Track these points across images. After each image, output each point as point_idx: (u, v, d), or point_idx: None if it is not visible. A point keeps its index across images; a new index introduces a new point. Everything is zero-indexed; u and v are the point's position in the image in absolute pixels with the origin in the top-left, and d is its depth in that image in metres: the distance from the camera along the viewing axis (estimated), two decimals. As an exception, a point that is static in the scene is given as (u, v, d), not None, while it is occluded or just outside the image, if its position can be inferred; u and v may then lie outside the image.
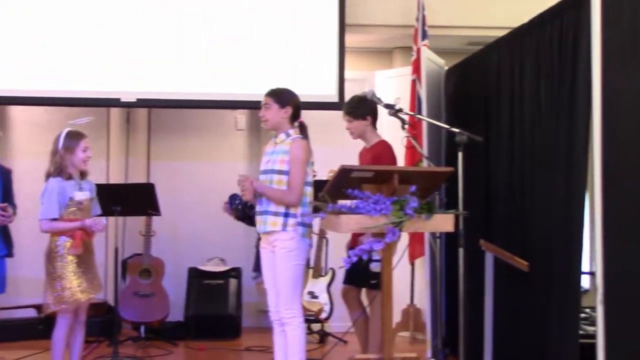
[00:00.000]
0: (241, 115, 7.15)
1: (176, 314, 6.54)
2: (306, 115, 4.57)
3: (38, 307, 6.23)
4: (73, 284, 4.66)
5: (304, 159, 4.32)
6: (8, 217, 4.91)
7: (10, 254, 5.19)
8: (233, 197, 5.21)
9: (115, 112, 6.90)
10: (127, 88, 6.34)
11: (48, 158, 4.81)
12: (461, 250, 4.47)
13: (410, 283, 6.34)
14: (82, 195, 4.75)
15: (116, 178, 6.75)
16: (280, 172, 4.32)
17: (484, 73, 5.22)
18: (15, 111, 6.93)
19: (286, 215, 4.30)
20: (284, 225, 4.29)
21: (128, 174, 6.88)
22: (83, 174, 4.83)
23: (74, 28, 6.30)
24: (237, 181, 4.45)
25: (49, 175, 4.73)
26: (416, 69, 6.00)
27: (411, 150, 5.65)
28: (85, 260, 4.74)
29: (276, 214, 4.31)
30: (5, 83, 6.26)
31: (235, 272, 6.70)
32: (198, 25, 6.37)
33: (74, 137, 4.77)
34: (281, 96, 4.46)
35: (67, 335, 4.72)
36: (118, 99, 6.37)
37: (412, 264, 6.24)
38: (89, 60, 6.29)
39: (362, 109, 4.95)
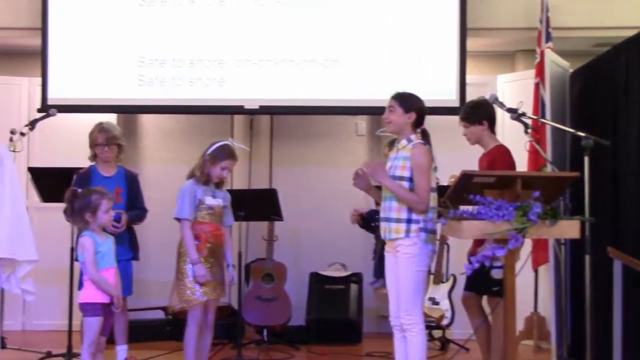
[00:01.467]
0: (362, 121, 7.18)
1: (298, 318, 6.62)
2: (427, 120, 4.54)
3: (165, 309, 6.43)
4: (197, 284, 4.80)
5: (427, 165, 4.29)
6: (119, 228, 5.11)
7: (135, 257, 5.39)
8: (373, 213, 5.23)
9: (238, 119, 7.05)
10: (250, 95, 6.47)
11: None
12: (587, 257, 4.35)
13: (533, 290, 6.20)
14: (214, 201, 4.91)
15: (240, 184, 6.89)
16: (401, 178, 4.31)
17: (611, 75, 5.06)
18: (144, 119, 7.19)
19: (409, 221, 4.28)
20: (407, 232, 4.28)
21: (251, 180, 7.01)
22: (220, 184, 4.99)
23: (199, 36, 6.49)
24: (363, 164, 4.48)
25: (190, 176, 4.93)
26: (539, 72, 5.88)
27: (534, 154, 5.53)
28: (212, 264, 4.88)
29: (399, 220, 4.30)
30: (136, 93, 6.49)
31: (356, 278, 6.71)
32: (321, 32, 6.44)
33: (223, 152, 4.92)
34: (406, 101, 4.44)
35: (198, 334, 4.86)
36: (241, 106, 6.51)
37: (536, 271, 6.10)
38: (214, 68, 6.46)
39: (477, 113, 4.89)
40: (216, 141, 5.00)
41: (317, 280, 6.74)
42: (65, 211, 4.70)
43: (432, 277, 6.20)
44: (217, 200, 4.93)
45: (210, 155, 4.91)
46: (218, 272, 4.93)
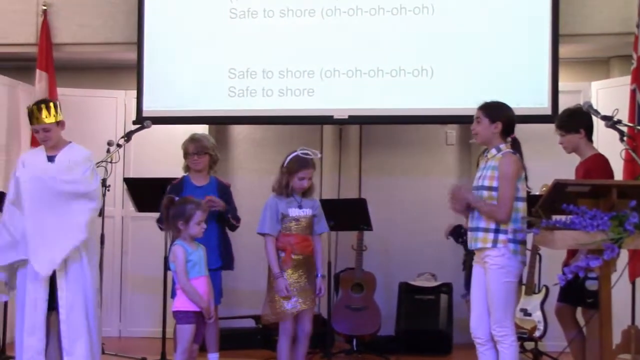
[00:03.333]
0: (452, 130, 7.12)
1: (387, 328, 6.60)
2: (519, 129, 4.48)
3: (256, 318, 6.49)
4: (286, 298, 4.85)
5: (513, 174, 4.23)
6: (217, 204, 5.20)
7: (227, 267, 5.45)
8: (458, 228, 5.20)
9: (328, 129, 7.09)
10: (339, 105, 6.49)
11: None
12: (688, 269, 4.20)
13: (631, 302, 6.02)
14: (300, 212, 4.94)
15: (329, 194, 6.92)
16: (490, 188, 4.26)
17: None
18: (235, 130, 7.30)
19: (496, 231, 4.23)
20: (495, 242, 4.22)
21: (340, 189, 7.04)
22: (307, 192, 5.01)
23: (288, 47, 6.54)
24: (449, 191, 4.44)
25: (273, 189, 4.98)
26: (636, 78, 5.73)
27: (631, 163, 5.38)
28: (302, 274, 4.92)
29: (486, 230, 4.25)
30: (227, 104, 6.59)
31: (446, 288, 6.65)
32: (410, 41, 6.41)
33: (296, 162, 4.96)
34: (492, 110, 4.39)
35: (289, 344, 4.90)
36: (331, 117, 6.54)
37: (633, 283, 5.92)
38: (303, 79, 6.50)
39: (574, 122, 4.80)
40: (290, 153, 5.03)
41: (406, 290, 6.70)
42: (159, 218, 4.81)
43: (523, 287, 6.09)
44: (303, 211, 4.96)
45: (286, 167, 4.96)
46: (309, 282, 4.96)
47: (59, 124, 4.89)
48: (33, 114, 4.85)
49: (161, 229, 5.24)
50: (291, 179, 4.93)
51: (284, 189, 4.95)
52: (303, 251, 4.94)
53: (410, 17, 6.42)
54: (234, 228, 5.45)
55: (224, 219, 5.36)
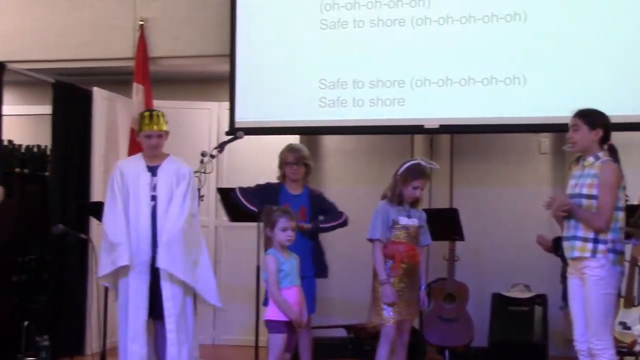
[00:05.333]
0: (545, 139, 6.98)
1: (480, 339, 6.50)
2: (615, 137, 4.37)
3: (348, 327, 6.49)
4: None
5: (614, 183, 4.13)
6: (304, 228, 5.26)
7: (320, 275, 5.48)
8: (557, 241, 5.09)
9: (419, 138, 7.04)
10: (430, 114, 6.45)
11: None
12: None
13: None
14: (409, 221, 4.96)
15: (420, 203, 6.87)
16: (589, 196, 4.17)
17: None
18: (326, 140, 7.33)
19: (596, 241, 4.13)
20: (594, 252, 4.13)
21: (432, 199, 6.98)
22: (415, 203, 5.02)
23: (379, 57, 6.53)
24: (546, 203, 4.35)
25: (383, 196, 5.00)
26: None
27: None
28: (407, 284, 4.92)
29: (585, 239, 4.16)
30: (318, 114, 6.62)
31: (541, 299, 6.51)
32: (501, 49, 6.33)
33: (413, 171, 4.98)
34: (591, 117, 4.30)
35: (389, 352, 4.90)
36: (421, 126, 6.50)
37: None
38: (394, 89, 6.48)
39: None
40: (406, 161, 5.04)
41: (500, 301, 6.59)
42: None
43: (622, 300, 5.92)
44: (412, 220, 4.98)
45: (401, 175, 4.97)
46: (412, 292, 4.96)
47: (167, 134, 5.02)
48: (152, 119, 4.95)
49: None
50: (404, 187, 4.94)
51: (396, 197, 4.96)
52: (411, 260, 4.95)
53: (502, 24, 6.33)
54: (343, 225, 5.49)
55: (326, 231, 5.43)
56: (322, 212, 5.50)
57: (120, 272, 4.88)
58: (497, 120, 6.35)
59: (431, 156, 7.01)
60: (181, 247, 4.82)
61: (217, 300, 5.04)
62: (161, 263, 4.78)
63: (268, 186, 5.46)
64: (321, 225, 5.42)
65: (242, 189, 5.47)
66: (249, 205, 5.46)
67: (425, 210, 5.29)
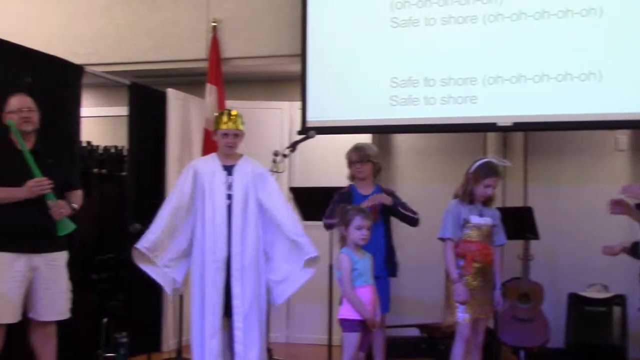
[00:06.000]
0: (622, 136, 6.83)
1: (556, 340, 6.40)
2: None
3: (421, 327, 6.47)
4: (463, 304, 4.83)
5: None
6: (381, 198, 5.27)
7: (393, 274, 5.49)
8: (636, 245, 5.01)
9: (491, 136, 6.97)
10: (503, 112, 6.37)
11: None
12: None
13: None
14: (481, 220, 4.93)
15: (494, 202, 6.80)
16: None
17: None
18: (398, 139, 7.31)
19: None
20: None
21: (505, 197, 6.90)
22: (488, 201, 4.99)
23: (450, 55, 6.48)
24: (621, 189, 4.27)
25: (455, 196, 4.98)
26: None
27: None
28: (480, 282, 4.89)
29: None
30: (389, 113, 6.60)
31: (619, 300, 6.38)
32: (576, 44, 6.21)
33: (485, 169, 4.94)
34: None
35: (464, 351, 4.88)
36: (494, 124, 6.43)
37: None
38: (466, 86, 6.41)
39: None
40: (478, 159, 5.01)
41: (576, 302, 6.48)
42: (327, 216, 4.94)
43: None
44: (484, 219, 4.94)
45: (473, 173, 4.93)
46: (487, 292, 4.93)
47: (243, 134, 5.07)
48: (230, 118, 5.01)
49: (326, 226, 5.36)
50: (476, 185, 4.92)
51: (467, 196, 4.94)
52: (483, 259, 4.91)
53: (577, 20, 6.22)
54: (414, 221, 5.48)
55: (400, 216, 5.39)
56: (399, 207, 5.49)
57: (195, 269, 4.95)
58: (572, 117, 6.24)
59: (504, 154, 6.94)
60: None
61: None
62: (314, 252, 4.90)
63: (341, 196, 5.46)
64: (399, 206, 5.41)
65: (326, 217, 5.46)
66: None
67: (499, 208, 5.24)
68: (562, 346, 6.40)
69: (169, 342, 6.80)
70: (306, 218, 6.19)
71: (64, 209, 4.85)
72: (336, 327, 5.12)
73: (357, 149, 5.58)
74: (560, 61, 6.24)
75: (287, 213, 5.02)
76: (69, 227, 4.87)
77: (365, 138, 6.62)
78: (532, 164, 6.99)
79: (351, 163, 5.56)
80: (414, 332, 6.69)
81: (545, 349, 6.32)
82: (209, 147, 6.56)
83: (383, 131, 7.03)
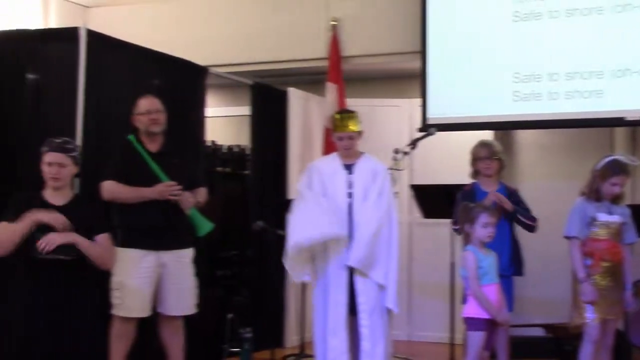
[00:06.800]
0: None
1: None
2: None
3: (546, 327, 6.33)
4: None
5: None
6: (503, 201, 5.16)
7: (518, 272, 5.38)
8: None
9: (619, 131, 6.75)
10: (632, 106, 6.14)
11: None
12: None
13: None
14: (610, 218, 4.79)
15: (623, 199, 6.57)
16: None
17: None
18: (521, 135, 7.17)
19: None
20: None
21: (636, 194, 6.66)
22: (617, 198, 4.85)
23: (575, 48, 6.32)
24: None
25: (582, 193, 4.87)
26: None
27: None
28: (609, 282, 4.76)
29: None
30: (512, 109, 6.49)
31: None
32: None
33: (612, 167, 4.81)
34: None
35: (593, 352, 4.76)
36: (622, 118, 6.21)
37: None
38: (592, 80, 6.23)
39: None
40: (606, 156, 4.87)
41: None
42: (454, 221, 4.87)
43: None
44: (613, 217, 4.80)
45: (600, 171, 4.80)
46: (617, 292, 4.79)
47: (360, 133, 5.09)
48: (342, 122, 5.05)
49: (456, 231, 5.29)
50: (602, 183, 4.79)
51: (594, 193, 4.81)
52: (612, 258, 4.77)
53: None
54: (531, 228, 5.36)
55: (517, 222, 5.31)
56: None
57: (319, 266, 4.99)
58: None
59: (634, 150, 6.71)
60: (374, 246, 4.85)
61: (394, 303, 4.97)
62: (353, 261, 4.83)
63: (464, 194, 5.38)
64: (519, 214, 5.30)
65: (454, 222, 5.40)
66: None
67: (629, 205, 5.07)
68: None
69: (291, 338, 6.89)
70: (427, 215, 6.16)
71: (191, 199, 5.00)
72: (458, 325, 5.06)
73: (486, 145, 5.49)
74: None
75: (368, 216, 4.91)
76: (207, 226, 5.05)
77: (487, 135, 6.52)
78: (664, 159, 6.72)
79: (478, 159, 5.45)
80: (539, 332, 6.55)
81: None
82: (329, 145, 6.61)
83: (505, 127, 6.91)
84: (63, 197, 4.23)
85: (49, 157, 4.17)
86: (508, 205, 5.25)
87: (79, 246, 4.09)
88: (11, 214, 4.08)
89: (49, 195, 4.21)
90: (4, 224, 4.08)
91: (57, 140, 4.25)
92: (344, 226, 4.86)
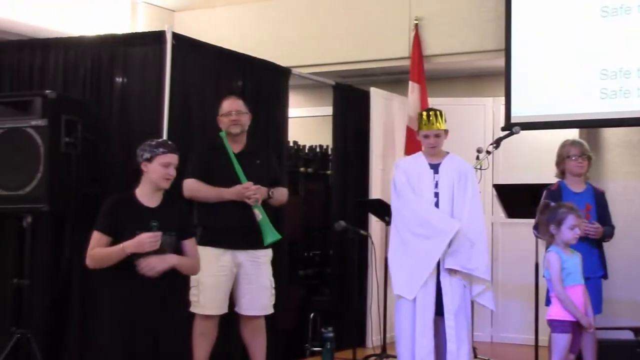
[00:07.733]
0: None
1: None
2: None
3: (636, 330, 6.16)
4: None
5: None
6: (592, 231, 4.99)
7: (605, 276, 5.26)
8: None
9: None
10: None
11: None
12: None
13: None
14: None
15: None
16: None
17: None
18: (608, 133, 6.99)
19: None
20: None
21: None
22: None
23: None
24: None
25: None
26: None
27: None
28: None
29: None
30: (598, 106, 6.35)
31: None
32: None
33: None
34: None
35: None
36: None
37: None
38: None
39: None
40: None
41: None
42: (535, 224, 4.77)
43: None
44: None
45: None
46: None
47: (446, 132, 5.05)
48: (429, 119, 5.01)
49: (536, 236, 5.20)
50: None
51: None
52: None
53: None
54: (606, 241, 5.22)
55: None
56: (604, 214, 5.23)
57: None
58: None
59: None
60: (479, 245, 4.84)
61: (492, 303, 4.95)
62: (451, 263, 4.79)
63: (550, 194, 5.27)
64: (607, 235, 5.16)
65: (536, 225, 5.29)
66: None
67: None
68: None
69: (373, 338, 6.89)
70: (511, 215, 6.08)
71: (260, 191, 4.98)
72: (543, 328, 4.98)
73: (577, 143, 5.35)
74: None
75: (467, 217, 4.88)
76: (273, 236, 5.01)
77: (572, 133, 6.39)
78: None
79: (567, 158, 5.31)
80: (628, 335, 6.39)
81: None
82: (412, 145, 6.59)
83: (592, 125, 6.74)
84: (157, 198, 4.15)
85: (167, 158, 4.09)
86: (596, 234, 5.09)
87: (176, 267, 4.07)
88: (105, 224, 4.04)
89: (142, 196, 4.13)
90: (97, 235, 4.02)
91: (169, 143, 4.21)
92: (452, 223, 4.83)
